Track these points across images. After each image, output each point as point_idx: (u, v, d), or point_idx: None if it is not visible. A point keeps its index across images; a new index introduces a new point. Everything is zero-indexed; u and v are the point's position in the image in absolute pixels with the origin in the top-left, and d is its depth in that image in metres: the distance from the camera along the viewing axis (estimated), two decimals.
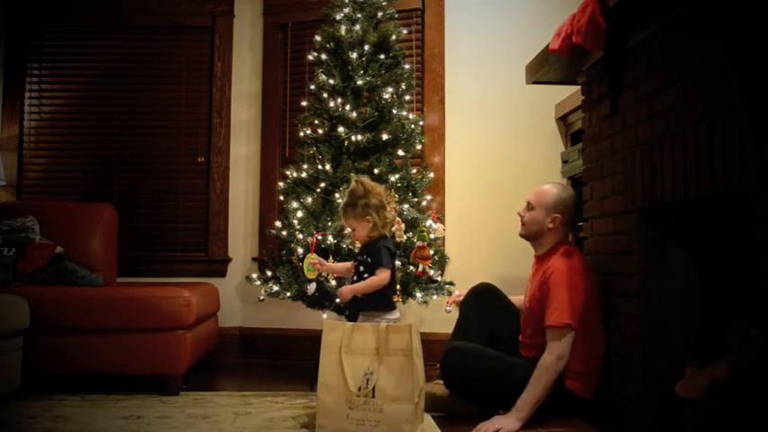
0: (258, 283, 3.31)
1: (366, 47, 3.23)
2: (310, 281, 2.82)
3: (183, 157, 4.13)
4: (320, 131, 3.24)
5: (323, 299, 3.02)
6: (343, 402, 2.21)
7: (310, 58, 3.43)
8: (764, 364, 1.65)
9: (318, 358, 2.29)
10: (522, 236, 2.68)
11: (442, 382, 2.55)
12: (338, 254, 3.00)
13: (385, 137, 3.17)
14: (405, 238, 3.00)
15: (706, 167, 1.79)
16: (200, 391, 2.98)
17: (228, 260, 4.05)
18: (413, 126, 3.26)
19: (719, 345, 1.86)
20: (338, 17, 3.32)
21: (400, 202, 3.09)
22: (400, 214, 3.06)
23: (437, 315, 3.34)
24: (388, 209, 2.53)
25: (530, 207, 2.63)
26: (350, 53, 3.23)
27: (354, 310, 2.52)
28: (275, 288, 3.15)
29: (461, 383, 2.47)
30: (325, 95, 3.24)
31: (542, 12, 3.65)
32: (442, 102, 3.82)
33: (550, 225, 2.57)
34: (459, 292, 2.94)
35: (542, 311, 2.42)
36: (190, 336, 2.99)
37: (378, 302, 2.45)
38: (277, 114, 4.06)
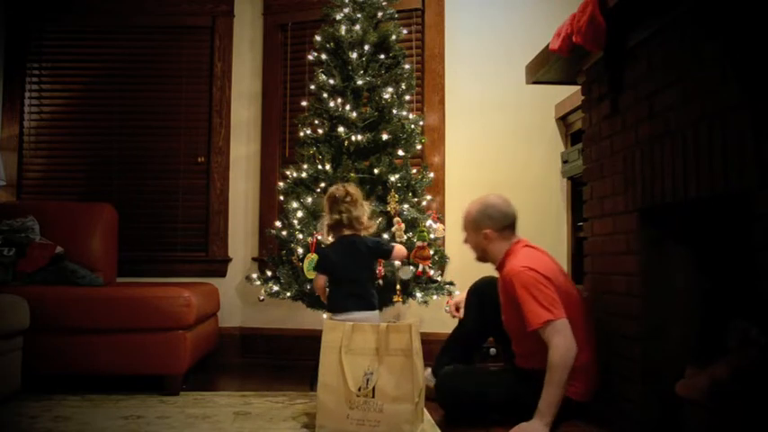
0: (258, 283, 3.31)
1: (366, 47, 3.23)
2: (310, 280, 2.85)
3: (183, 157, 4.13)
4: (320, 131, 3.24)
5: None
6: (343, 402, 2.21)
7: (310, 58, 3.43)
8: (764, 364, 1.65)
9: (318, 358, 2.29)
10: (478, 260, 2.65)
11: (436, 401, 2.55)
12: None
13: (385, 137, 3.17)
14: (405, 238, 3.00)
15: (706, 167, 1.79)
16: (200, 391, 2.98)
17: (228, 260, 4.05)
18: (413, 126, 3.26)
19: (719, 345, 1.85)
20: (338, 17, 3.32)
21: (400, 202, 3.09)
22: (400, 214, 3.06)
23: (437, 315, 3.34)
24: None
25: (465, 236, 2.61)
26: (350, 53, 3.23)
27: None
28: (275, 288, 3.15)
29: (460, 411, 2.47)
30: (325, 95, 3.24)
31: (542, 12, 3.66)
32: (441, 102, 3.82)
33: (485, 241, 2.52)
34: (460, 293, 2.95)
35: (518, 320, 2.36)
36: (190, 336, 2.99)
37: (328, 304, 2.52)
38: (277, 114, 4.06)
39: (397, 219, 3.04)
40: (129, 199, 4.05)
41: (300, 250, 3.04)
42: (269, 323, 3.93)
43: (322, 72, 3.29)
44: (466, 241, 2.62)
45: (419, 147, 3.46)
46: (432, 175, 3.40)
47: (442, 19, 3.84)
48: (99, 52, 4.19)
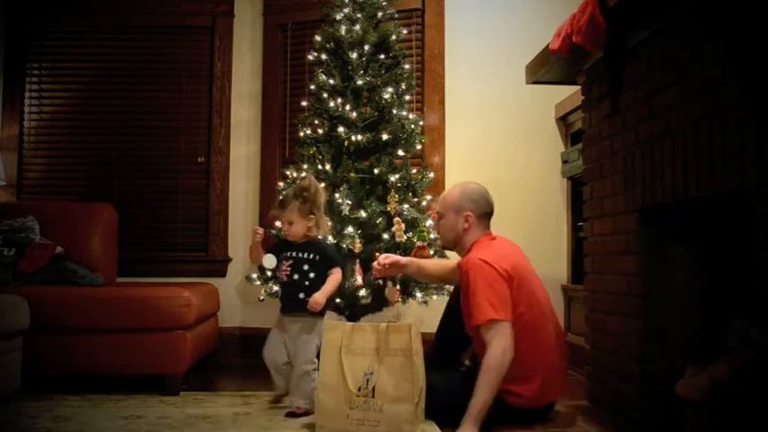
0: (258, 283, 3.31)
1: (366, 47, 3.23)
2: None
3: (183, 157, 4.13)
4: (320, 131, 3.24)
5: None
6: (343, 402, 2.21)
7: (310, 58, 3.43)
8: (764, 364, 1.65)
9: (318, 358, 2.29)
10: (443, 247, 2.59)
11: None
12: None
13: (385, 137, 3.17)
14: (405, 238, 3.00)
15: (706, 167, 1.79)
16: (200, 391, 2.97)
17: (228, 260, 4.05)
18: (413, 126, 3.26)
19: (719, 345, 1.85)
20: (338, 17, 3.32)
21: (400, 202, 3.09)
22: (400, 214, 3.06)
23: (437, 315, 3.33)
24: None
25: (439, 216, 2.52)
26: (350, 53, 3.23)
27: (302, 313, 2.52)
28: (275, 288, 3.15)
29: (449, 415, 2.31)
30: (325, 95, 3.24)
31: (542, 12, 3.66)
32: (441, 102, 3.82)
33: (465, 225, 2.45)
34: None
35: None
36: (190, 336, 2.98)
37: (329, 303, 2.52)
38: (277, 114, 4.06)
39: (397, 219, 3.04)
40: (129, 199, 4.05)
41: None
42: (269, 323, 3.88)
43: (322, 72, 3.29)
44: (438, 223, 2.53)
45: (419, 147, 3.46)
46: (432, 175, 3.40)
47: (442, 19, 3.84)
48: (99, 52, 4.19)
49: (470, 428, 2.10)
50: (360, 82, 3.19)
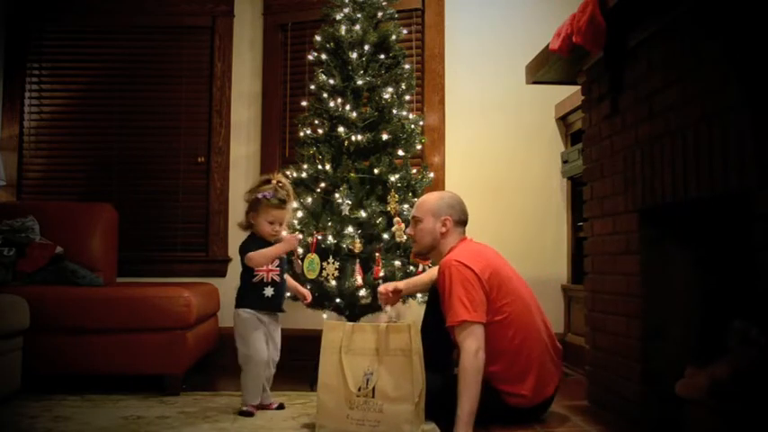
0: None
1: (366, 47, 3.23)
2: (310, 280, 2.90)
3: (183, 157, 4.12)
4: (320, 131, 3.24)
5: (323, 299, 3.02)
6: (343, 402, 2.21)
7: (310, 58, 3.43)
8: (764, 364, 1.65)
9: (318, 358, 2.29)
10: (418, 253, 2.57)
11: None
12: (338, 254, 3.00)
13: (385, 137, 3.17)
14: (405, 237, 3.00)
15: (706, 167, 1.79)
16: (200, 391, 2.98)
17: (228, 260, 4.05)
18: (413, 126, 3.26)
19: (719, 345, 1.86)
20: (338, 17, 3.32)
21: (400, 202, 3.09)
22: (400, 214, 3.06)
23: None
24: None
25: (416, 221, 2.51)
26: (350, 53, 3.23)
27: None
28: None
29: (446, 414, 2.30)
30: (325, 95, 3.24)
31: (542, 12, 3.66)
32: (441, 102, 3.82)
33: (443, 229, 2.45)
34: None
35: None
36: (190, 336, 2.99)
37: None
38: (277, 114, 4.06)
39: (397, 219, 3.04)
40: (129, 199, 4.05)
41: (300, 250, 3.04)
42: None
43: (322, 72, 3.29)
44: (414, 228, 2.51)
45: (419, 147, 3.46)
46: (432, 175, 3.39)
47: (442, 19, 3.84)
48: (99, 52, 4.19)
49: None
50: (360, 82, 3.19)
